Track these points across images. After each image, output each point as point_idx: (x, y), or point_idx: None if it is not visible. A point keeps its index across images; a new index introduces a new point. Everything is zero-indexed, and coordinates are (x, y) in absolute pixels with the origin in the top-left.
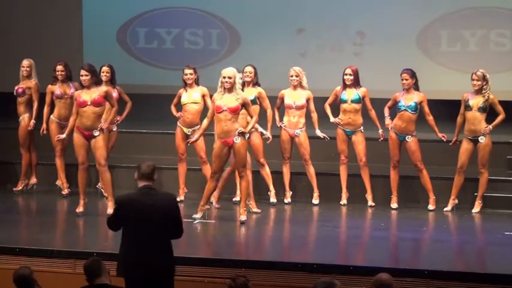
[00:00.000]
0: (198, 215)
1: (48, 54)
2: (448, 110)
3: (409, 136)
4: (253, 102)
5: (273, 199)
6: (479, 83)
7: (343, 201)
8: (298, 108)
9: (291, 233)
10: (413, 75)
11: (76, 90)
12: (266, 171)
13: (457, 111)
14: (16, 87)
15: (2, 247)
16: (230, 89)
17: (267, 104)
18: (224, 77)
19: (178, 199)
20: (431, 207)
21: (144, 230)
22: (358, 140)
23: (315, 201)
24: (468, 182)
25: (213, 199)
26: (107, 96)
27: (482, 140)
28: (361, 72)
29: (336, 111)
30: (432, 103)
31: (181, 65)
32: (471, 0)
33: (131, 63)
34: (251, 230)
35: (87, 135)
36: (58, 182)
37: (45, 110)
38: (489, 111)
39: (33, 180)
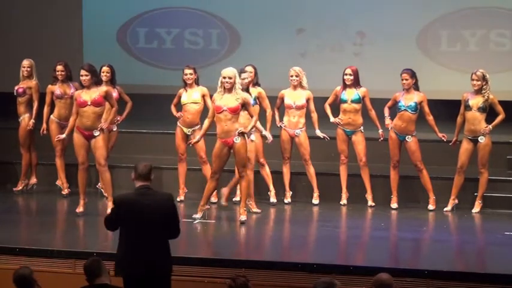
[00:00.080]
0: (198, 215)
1: (48, 54)
2: (448, 110)
3: (409, 136)
4: (253, 102)
5: (273, 199)
6: (479, 83)
7: (343, 201)
8: (298, 108)
9: (291, 233)
10: (413, 75)
11: (76, 90)
12: (266, 171)
13: (457, 111)
14: (16, 87)
15: (2, 247)
16: (230, 89)
17: (266, 104)
18: (224, 77)
19: (178, 199)
20: (431, 207)
21: (142, 229)
22: (358, 140)
23: (315, 201)
24: (468, 182)
25: (223, 200)
26: (106, 96)
27: (482, 140)
28: (361, 72)
29: (336, 111)
30: (432, 103)
31: (181, 65)
32: (471, 0)
33: (131, 63)
34: (251, 230)
35: (87, 135)
36: (58, 182)
37: (45, 110)
38: (489, 111)
39: (33, 180)
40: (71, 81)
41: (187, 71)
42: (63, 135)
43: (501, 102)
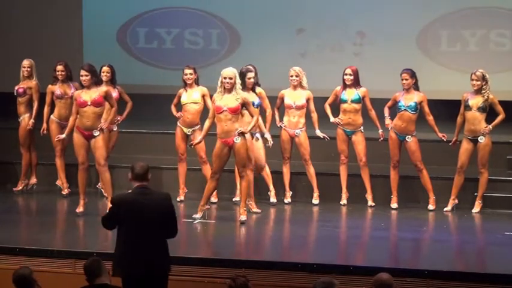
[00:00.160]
0: (198, 215)
1: (48, 54)
2: (448, 110)
3: (409, 136)
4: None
5: (273, 199)
6: (479, 83)
7: (343, 201)
8: (298, 108)
9: (291, 233)
10: (413, 75)
11: (76, 90)
12: (266, 171)
13: (457, 111)
14: (16, 87)
15: (2, 247)
16: (230, 90)
17: (266, 104)
18: (225, 78)
19: (178, 199)
20: (431, 207)
21: (141, 229)
22: (358, 140)
23: (315, 201)
24: (468, 182)
25: (239, 200)
26: (106, 96)
27: (482, 140)
28: (361, 72)
29: (336, 111)
30: (432, 103)
31: (181, 65)
32: (471, 0)
33: (131, 63)
34: (251, 230)
35: (87, 135)
36: (58, 182)
37: (46, 110)
38: (489, 111)
39: (33, 180)
40: (71, 81)
41: (187, 71)
42: (63, 135)
43: (501, 102)
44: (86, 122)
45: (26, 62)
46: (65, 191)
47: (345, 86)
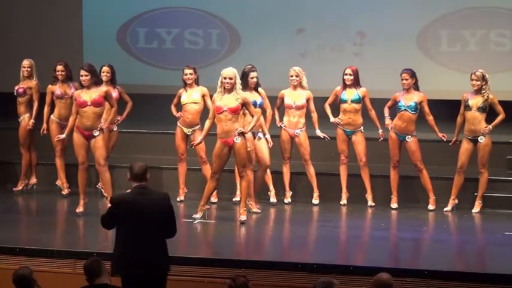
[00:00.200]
0: (198, 215)
1: (48, 54)
2: (448, 110)
3: (409, 136)
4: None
5: (273, 199)
6: (479, 83)
7: (343, 201)
8: (298, 108)
9: (291, 233)
10: (413, 75)
11: (76, 90)
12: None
13: (457, 111)
14: (16, 87)
15: (2, 247)
16: (230, 90)
17: (266, 104)
18: (225, 78)
19: (178, 199)
20: (431, 207)
21: (140, 229)
22: (358, 140)
23: (315, 201)
24: (468, 182)
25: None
26: (106, 97)
27: (482, 140)
28: (361, 72)
29: (336, 111)
30: (432, 103)
31: (181, 65)
32: (471, 0)
33: (131, 63)
34: (251, 230)
35: (87, 135)
36: (58, 182)
37: (46, 110)
38: (489, 111)
39: (33, 180)
40: (71, 81)
41: (187, 71)
42: (63, 135)
43: (501, 102)
44: (86, 122)
45: (26, 62)
46: (65, 191)
47: (345, 86)
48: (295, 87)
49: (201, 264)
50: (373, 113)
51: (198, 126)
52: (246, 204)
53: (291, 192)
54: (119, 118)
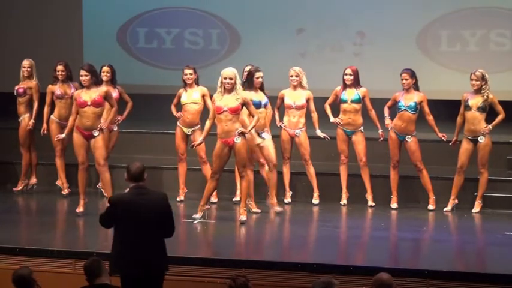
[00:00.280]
0: (198, 215)
1: (48, 54)
2: (448, 110)
3: (409, 136)
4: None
5: None
6: (478, 82)
7: (343, 201)
8: (298, 108)
9: (291, 233)
10: (413, 75)
11: (76, 90)
12: (266, 171)
13: (457, 111)
14: (16, 87)
15: (2, 247)
16: (230, 90)
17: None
18: (225, 78)
19: (178, 199)
20: (431, 207)
21: (138, 229)
22: (358, 140)
23: (315, 201)
24: (468, 182)
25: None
26: (106, 97)
27: (482, 140)
28: (361, 72)
29: (336, 111)
30: (432, 103)
31: (181, 65)
32: (471, 0)
33: (131, 63)
34: (251, 230)
35: (86, 135)
36: (58, 182)
37: (46, 110)
38: (489, 111)
39: (33, 180)
40: (71, 81)
41: (187, 71)
42: (63, 135)
43: (501, 102)
44: (86, 122)
45: (26, 62)
46: (65, 191)
47: (344, 86)
48: (295, 87)
49: (201, 264)
50: (373, 113)
51: (198, 126)
52: (246, 204)
53: (291, 192)
54: (119, 118)
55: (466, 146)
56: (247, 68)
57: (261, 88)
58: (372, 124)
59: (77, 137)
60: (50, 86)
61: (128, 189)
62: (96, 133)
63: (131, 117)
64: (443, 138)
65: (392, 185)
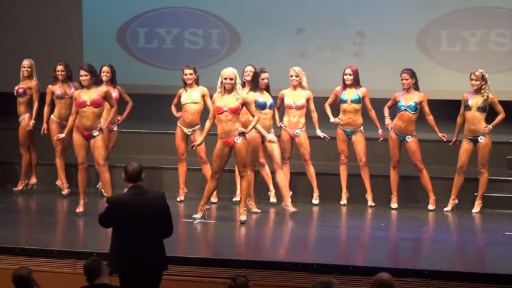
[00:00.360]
0: (198, 215)
1: (48, 54)
2: (448, 110)
3: (409, 136)
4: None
5: (273, 199)
6: (478, 82)
7: (343, 201)
8: (298, 108)
9: (291, 233)
10: (413, 75)
11: (76, 90)
12: (266, 171)
13: (457, 111)
14: (16, 87)
15: (2, 247)
16: (230, 90)
17: None
18: (225, 78)
19: (178, 199)
20: (431, 207)
21: (137, 229)
22: (358, 140)
23: (315, 201)
24: (468, 182)
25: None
26: (106, 97)
27: (482, 139)
28: (361, 72)
29: (336, 111)
30: (432, 103)
31: (181, 65)
32: (471, 0)
33: (131, 63)
34: (251, 230)
35: (86, 135)
36: (58, 182)
37: (46, 110)
38: (489, 111)
39: (33, 180)
40: (71, 81)
41: (187, 71)
42: (62, 135)
43: (501, 102)
44: (86, 122)
45: (26, 62)
46: (65, 191)
47: (344, 86)
48: (295, 87)
49: (201, 264)
50: (373, 113)
51: (198, 126)
52: (246, 204)
53: (291, 192)
54: (119, 118)
55: (466, 146)
56: (248, 68)
57: (267, 89)
58: (372, 124)
59: (76, 137)
60: (50, 86)
61: (126, 190)
62: (96, 133)
63: (131, 117)
64: (443, 138)
65: (392, 185)
